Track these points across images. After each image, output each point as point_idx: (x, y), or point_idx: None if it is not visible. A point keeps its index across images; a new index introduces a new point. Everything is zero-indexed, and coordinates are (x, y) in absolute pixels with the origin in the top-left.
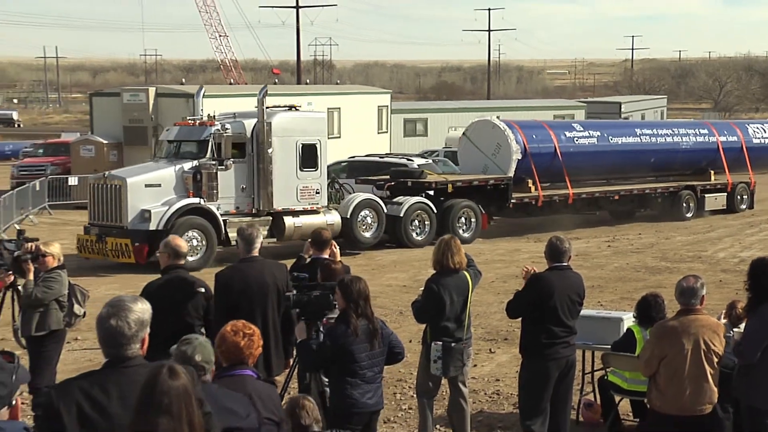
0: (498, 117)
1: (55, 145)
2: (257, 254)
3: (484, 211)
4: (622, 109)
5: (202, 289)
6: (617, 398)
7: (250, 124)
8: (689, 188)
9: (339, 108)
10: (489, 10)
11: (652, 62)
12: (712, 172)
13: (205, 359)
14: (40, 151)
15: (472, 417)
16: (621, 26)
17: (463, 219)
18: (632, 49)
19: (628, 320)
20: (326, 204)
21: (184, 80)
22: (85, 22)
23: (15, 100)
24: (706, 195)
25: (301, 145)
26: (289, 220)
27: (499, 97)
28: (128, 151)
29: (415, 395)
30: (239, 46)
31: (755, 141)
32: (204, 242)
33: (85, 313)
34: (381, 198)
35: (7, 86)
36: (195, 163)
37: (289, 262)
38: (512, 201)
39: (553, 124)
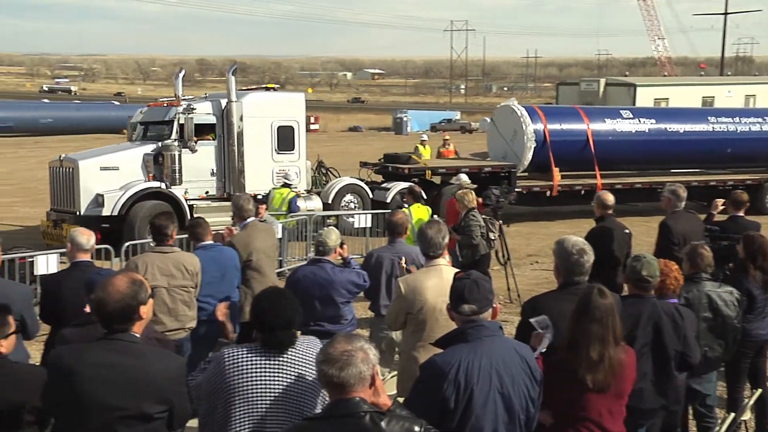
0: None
1: None
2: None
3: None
4: None
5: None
6: None
7: (220, 104)
8: None
9: (755, 95)
10: None
11: None
12: None
13: (650, 274)
14: None
15: None
16: None
17: None
18: None
19: None
20: (307, 188)
21: (627, 73)
22: (556, 30)
23: (505, 88)
24: None
25: (277, 127)
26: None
27: None
28: None
29: None
30: (673, 46)
31: None
32: None
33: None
34: (371, 183)
35: (500, 78)
36: (157, 145)
37: None
38: (516, 190)
39: (591, 111)
